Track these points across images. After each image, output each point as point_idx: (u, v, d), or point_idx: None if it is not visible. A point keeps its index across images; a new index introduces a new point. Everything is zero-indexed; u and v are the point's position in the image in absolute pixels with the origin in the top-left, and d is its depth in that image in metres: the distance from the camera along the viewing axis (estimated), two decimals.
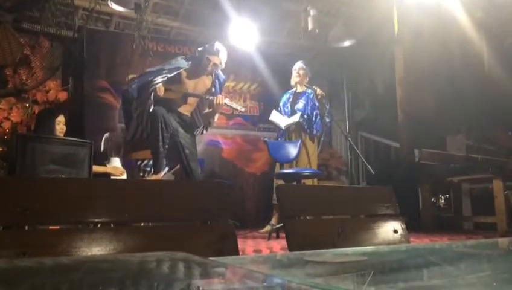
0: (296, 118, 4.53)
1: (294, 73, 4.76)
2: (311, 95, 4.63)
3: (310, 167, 4.46)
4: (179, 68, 4.00)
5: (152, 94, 3.85)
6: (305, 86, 4.67)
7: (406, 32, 5.37)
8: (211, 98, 4.02)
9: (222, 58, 4.04)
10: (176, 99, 4.00)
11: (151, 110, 3.85)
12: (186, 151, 3.91)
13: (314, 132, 4.57)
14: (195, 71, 4.08)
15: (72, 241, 1.00)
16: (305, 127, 4.54)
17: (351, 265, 0.87)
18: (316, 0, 5.29)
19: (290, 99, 4.70)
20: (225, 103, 4.01)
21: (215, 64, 4.01)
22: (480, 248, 1.28)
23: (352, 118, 6.83)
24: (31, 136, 3.53)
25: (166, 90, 3.94)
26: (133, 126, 3.98)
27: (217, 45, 4.04)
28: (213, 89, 4.12)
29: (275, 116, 4.70)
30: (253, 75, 5.97)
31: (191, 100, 4.10)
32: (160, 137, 3.80)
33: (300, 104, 4.61)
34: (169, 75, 3.94)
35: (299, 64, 4.78)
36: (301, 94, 4.69)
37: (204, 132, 4.32)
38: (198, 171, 4.00)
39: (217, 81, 4.16)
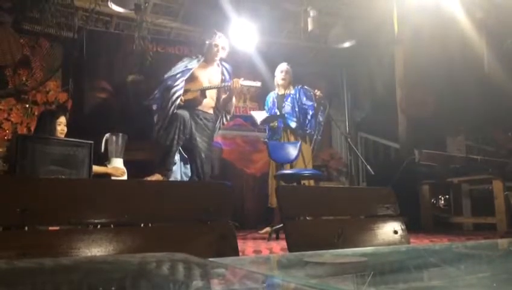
0: (268, 117, 4.52)
1: (280, 75, 4.63)
2: (297, 95, 4.57)
3: (306, 167, 4.46)
4: (190, 69, 4.22)
5: (177, 100, 4.13)
6: (306, 88, 4.64)
7: (406, 33, 5.38)
8: (227, 83, 4.26)
9: (224, 42, 4.36)
10: (195, 98, 4.18)
11: (175, 112, 4.11)
12: (203, 154, 4.10)
13: (308, 130, 4.54)
14: (205, 64, 4.37)
15: (72, 242, 1.00)
16: (297, 129, 4.51)
17: (351, 266, 0.87)
18: (316, 1, 5.29)
19: (276, 104, 4.61)
20: (241, 84, 4.22)
21: (219, 48, 4.31)
22: (480, 248, 1.28)
23: (352, 118, 6.83)
24: (31, 137, 3.53)
25: (184, 92, 4.13)
26: (155, 129, 4.17)
27: (213, 32, 4.38)
28: (222, 77, 4.40)
29: (255, 114, 4.68)
30: (253, 76, 5.95)
31: (211, 94, 4.24)
32: (176, 136, 3.96)
33: (287, 107, 4.55)
34: (184, 78, 4.21)
35: (283, 66, 4.65)
36: (285, 96, 4.60)
37: (225, 121, 4.54)
38: (209, 174, 4.16)
39: (224, 70, 4.43)
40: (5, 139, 4.50)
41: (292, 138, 4.55)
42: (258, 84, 4.36)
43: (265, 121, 4.56)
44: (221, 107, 4.43)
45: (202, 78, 4.31)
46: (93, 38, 5.24)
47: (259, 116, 4.60)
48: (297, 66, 4.92)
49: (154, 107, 4.28)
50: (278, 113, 4.58)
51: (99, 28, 5.50)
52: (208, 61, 4.40)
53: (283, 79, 4.63)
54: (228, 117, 4.60)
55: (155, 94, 4.33)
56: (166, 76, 4.35)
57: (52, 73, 4.71)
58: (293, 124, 4.50)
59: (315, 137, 4.64)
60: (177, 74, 4.25)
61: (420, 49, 5.20)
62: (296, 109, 4.53)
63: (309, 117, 4.53)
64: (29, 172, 2.87)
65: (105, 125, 4.93)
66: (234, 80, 4.21)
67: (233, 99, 4.52)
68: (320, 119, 4.62)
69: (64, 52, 5.00)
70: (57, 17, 4.38)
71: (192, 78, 4.28)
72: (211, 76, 4.36)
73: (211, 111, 4.32)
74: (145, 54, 4.92)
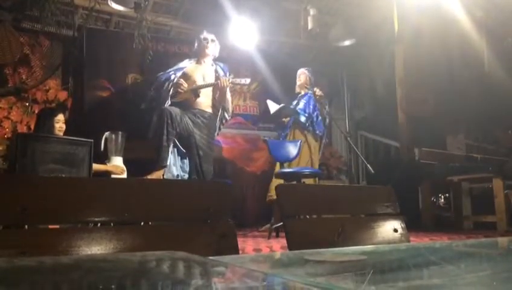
0: (282, 107, 4.64)
1: (297, 78, 4.88)
2: (313, 95, 4.69)
3: (311, 165, 4.49)
4: (183, 68, 4.23)
5: (170, 91, 4.18)
6: (306, 87, 4.72)
7: (406, 32, 5.36)
8: (215, 82, 4.29)
9: (213, 36, 4.41)
10: (188, 97, 4.18)
11: (163, 107, 4.16)
12: (201, 152, 4.08)
13: (317, 131, 4.62)
14: (199, 63, 4.39)
15: (72, 240, 1.00)
16: (307, 125, 4.58)
17: (350, 264, 0.87)
18: (316, 0, 5.28)
19: (295, 102, 4.79)
20: (230, 82, 4.28)
21: (208, 41, 4.36)
22: (480, 247, 1.28)
23: (352, 117, 6.82)
24: (31, 135, 3.53)
25: (178, 93, 4.15)
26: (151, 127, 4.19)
27: (201, 31, 4.45)
28: (216, 75, 4.40)
29: (271, 104, 4.77)
30: (253, 75, 5.96)
31: (207, 92, 4.27)
32: (165, 131, 3.97)
33: (301, 104, 4.69)
34: (178, 74, 4.26)
35: (300, 70, 4.90)
36: (303, 95, 4.78)
37: (228, 117, 4.55)
38: (210, 173, 4.12)
39: (219, 68, 4.46)
40: (5, 137, 4.50)
41: (299, 136, 4.59)
42: (247, 81, 4.42)
43: (277, 113, 4.68)
44: (218, 105, 4.44)
45: (196, 77, 4.33)
46: (93, 37, 5.24)
47: (273, 107, 4.70)
48: (298, 65, 4.93)
49: (154, 104, 4.32)
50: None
51: (99, 26, 5.49)
52: (200, 59, 4.42)
53: (298, 81, 4.86)
54: (227, 115, 4.59)
55: (151, 93, 4.36)
56: (159, 75, 4.40)
57: (52, 71, 4.70)
58: (302, 118, 4.61)
59: (323, 141, 4.76)
60: (170, 71, 4.31)
61: (420, 48, 5.19)
62: (310, 106, 4.62)
63: (314, 118, 4.64)
64: (29, 171, 2.87)
65: (105, 124, 4.94)
66: (222, 79, 4.26)
67: (229, 96, 4.54)
68: (327, 121, 4.72)
69: (64, 50, 4.99)
70: (56, 16, 4.37)
71: (186, 77, 4.30)
72: (204, 75, 4.37)
73: (209, 109, 4.31)
74: (145, 53, 4.92)
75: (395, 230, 1.47)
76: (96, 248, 1.01)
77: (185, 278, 0.69)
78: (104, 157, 3.90)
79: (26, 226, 1.01)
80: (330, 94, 6.10)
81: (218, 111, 4.45)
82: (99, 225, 1.06)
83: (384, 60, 5.97)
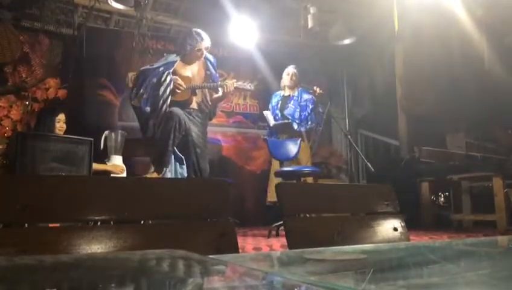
0: (285, 123, 4.65)
1: (286, 77, 4.76)
2: (299, 98, 4.66)
3: (301, 164, 4.50)
4: (173, 63, 4.03)
5: (168, 99, 3.93)
6: (305, 87, 4.70)
7: (406, 30, 5.37)
8: (219, 83, 4.09)
9: (206, 42, 4.06)
10: (186, 97, 4.04)
11: (167, 110, 3.94)
12: (198, 150, 3.98)
13: (309, 123, 4.61)
14: (188, 61, 4.13)
15: (72, 239, 1.00)
16: (297, 129, 4.58)
17: (350, 263, 0.87)
18: None
19: (279, 104, 4.72)
20: (235, 87, 4.11)
21: (203, 52, 4.08)
22: (480, 245, 1.28)
23: (352, 115, 6.82)
24: (31, 134, 3.53)
25: (175, 92, 4.01)
26: (151, 127, 4.02)
27: (196, 34, 4.05)
28: (207, 72, 4.19)
29: (268, 114, 4.77)
30: (252, 73, 5.96)
31: (198, 91, 4.17)
32: (172, 136, 3.84)
33: (289, 109, 4.65)
34: (169, 70, 4.00)
35: (291, 69, 4.77)
36: (289, 98, 4.71)
37: (214, 115, 4.42)
38: (207, 171, 4.04)
39: (208, 63, 4.22)
40: (5, 136, 4.50)
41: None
42: (252, 87, 4.32)
43: (278, 125, 4.69)
44: (211, 106, 4.24)
45: (185, 73, 4.09)
46: (93, 35, 5.24)
47: (271, 118, 4.72)
48: (298, 64, 4.92)
49: (148, 109, 4.06)
50: (279, 114, 4.70)
51: (99, 25, 5.49)
52: (189, 59, 4.14)
53: (289, 81, 4.74)
54: (212, 117, 4.41)
55: (141, 94, 4.02)
56: (143, 69, 4.10)
57: (51, 70, 4.71)
58: (295, 125, 4.60)
59: (317, 128, 4.72)
60: (159, 67, 3.99)
61: (420, 47, 5.20)
62: (298, 110, 4.60)
63: (309, 110, 4.59)
64: (29, 169, 2.87)
65: (105, 123, 4.94)
66: (228, 83, 4.05)
67: (222, 101, 4.50)
68: (321, 110, 4.67)
69: (64, 49, 5.00)
70: (56, 14, 4.37)
71: (174, 74, 4.03)
72: (194, 71, 4.13)
73: (196, 106, 4.12)
74: (145, 51, 4.91)
75: (395, 229, 1.47)
76: (96, 247, 1.01)
77: (185, 276, 0.69)
78: (103, 157, 3.89)
79: (26, 225, 1.01)
80: (330, 92, 6.10)
81: (208, 109, 4.24)
82: (99, 223, 1.06)
83: (385, 58, 5.97)
